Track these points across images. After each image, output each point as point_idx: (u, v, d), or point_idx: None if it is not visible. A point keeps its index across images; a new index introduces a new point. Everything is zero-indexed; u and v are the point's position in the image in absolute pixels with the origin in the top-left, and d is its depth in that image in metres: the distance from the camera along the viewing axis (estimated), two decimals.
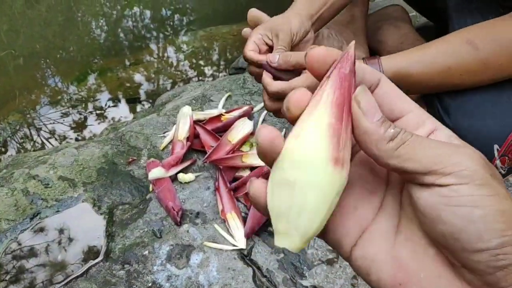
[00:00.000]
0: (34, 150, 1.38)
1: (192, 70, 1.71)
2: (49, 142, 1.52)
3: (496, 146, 0.76)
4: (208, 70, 1.69)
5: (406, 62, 0.77)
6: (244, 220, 0.86)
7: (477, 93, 0.78)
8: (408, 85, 0.81)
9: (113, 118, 1.56)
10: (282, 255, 0.84)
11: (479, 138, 0.76)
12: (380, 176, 0.30)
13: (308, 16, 0.86)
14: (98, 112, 1.59)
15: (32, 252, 0.85)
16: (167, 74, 1.69)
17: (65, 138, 1.52)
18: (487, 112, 0.78)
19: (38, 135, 1.54)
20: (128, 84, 1.66)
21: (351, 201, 0.29)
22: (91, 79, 1.74)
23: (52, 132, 1.54)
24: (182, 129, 0.97)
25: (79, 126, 1.57)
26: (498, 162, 0.78)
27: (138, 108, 1.56)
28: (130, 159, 0.97)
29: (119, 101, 1.61)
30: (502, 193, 0.24)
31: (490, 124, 0.77)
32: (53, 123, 1.58)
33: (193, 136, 0.98)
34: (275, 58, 0.71)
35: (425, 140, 0.26)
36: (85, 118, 1.59)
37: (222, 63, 1.72)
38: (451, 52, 0.75)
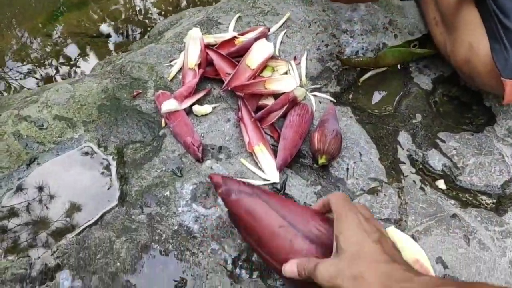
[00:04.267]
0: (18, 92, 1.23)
1: None
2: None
3: None
4: None
5: None
6: (274, 152, 0.77)
7: None
8: None
9: (97, 58, 1.41)
10: (319, 187, 0.75)
11: None
12: None
13: None
14: (83, 49, 1.43)
15: (33, 202, 0.74)
16: (157, 4, 1.52)
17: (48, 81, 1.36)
18: None
19: (18, 78, 1.38)
20: (111, 19, 1.49)
21: None
22: (72, 15, 1.56)
23: (35, 73, 1.39)
24: (192, 55, 0.85)
25: (63, 65, 1.41)
26: None
27: (130, 40, 1.41)
28: (135, 93, 0.85)
29: (109, 35, 1.45)
30: None
31: None
32: (35, 65, 1.42)
33: (206, 63, 0.85)
34: None
35: None
36: (69, 58, 1.43)
37: None
38: None
